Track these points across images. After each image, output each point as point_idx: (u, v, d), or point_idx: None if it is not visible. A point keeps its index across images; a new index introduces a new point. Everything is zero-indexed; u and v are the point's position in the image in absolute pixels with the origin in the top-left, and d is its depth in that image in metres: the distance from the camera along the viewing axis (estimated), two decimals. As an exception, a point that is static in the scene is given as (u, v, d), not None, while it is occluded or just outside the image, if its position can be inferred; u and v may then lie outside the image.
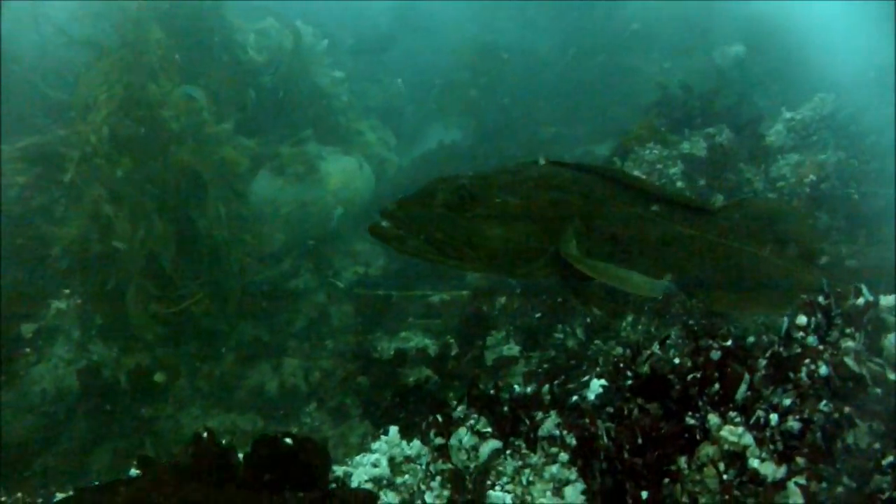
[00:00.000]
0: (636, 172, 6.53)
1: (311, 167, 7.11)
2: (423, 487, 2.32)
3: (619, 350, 4.66)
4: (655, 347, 2.35)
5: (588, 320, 5.23)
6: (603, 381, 2.52)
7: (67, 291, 6.10)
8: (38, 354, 5.77)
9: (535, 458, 2.26)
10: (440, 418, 2.42)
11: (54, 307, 6.04)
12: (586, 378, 2.78)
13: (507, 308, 5.76)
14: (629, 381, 2.28)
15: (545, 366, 4.78)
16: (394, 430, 2.54)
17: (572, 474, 2.16)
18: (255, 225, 6.31)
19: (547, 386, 2.61)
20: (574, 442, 2.21)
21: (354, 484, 2.40)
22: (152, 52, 5.99)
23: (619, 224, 2.89)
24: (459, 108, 9.64)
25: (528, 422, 2.33)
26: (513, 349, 5.16)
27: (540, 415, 2.36)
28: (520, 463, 2.27)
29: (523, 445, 2.30)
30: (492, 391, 2.59)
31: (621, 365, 2.28)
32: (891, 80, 6.60)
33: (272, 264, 6.75)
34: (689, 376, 2.11)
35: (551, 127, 8.94)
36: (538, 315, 5.40)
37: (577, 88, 9.38)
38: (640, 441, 2.03)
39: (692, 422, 2.02)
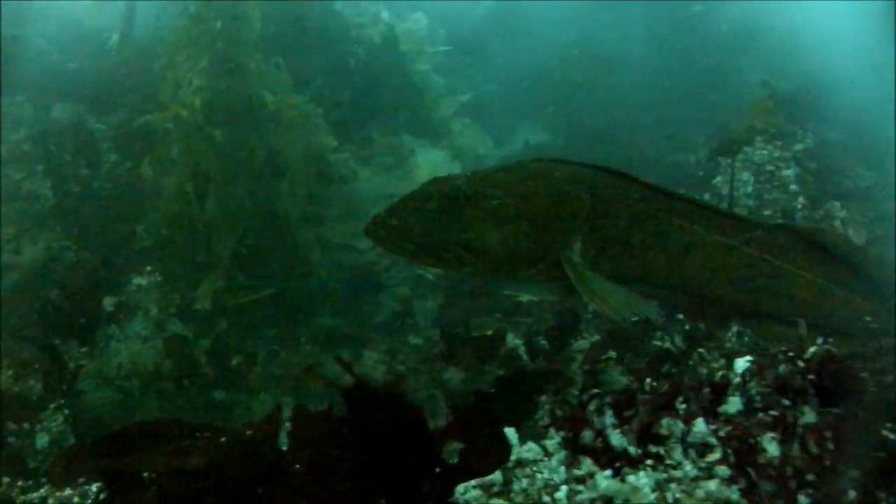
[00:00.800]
0: (745, 175, 6.14)
1: (400, 158, 6.90)
2: (545, 498, 2.00)
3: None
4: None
5: (687, 328, 4.88)
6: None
7: (149, 269, 6.01)
8: (118, 329, 5.71)
9: (685, 470, 1.92)
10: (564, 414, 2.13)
11: (136, 283, 5.98)
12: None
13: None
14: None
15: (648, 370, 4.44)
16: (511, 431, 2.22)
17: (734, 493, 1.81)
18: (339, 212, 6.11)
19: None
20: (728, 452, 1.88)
21: (460, 491, 2.09)
22: (251, 30, 5.84)
23: (630, 226, 2.67)
24: (550, 108, 9.32)
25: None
26: (609, 354, 4.83)
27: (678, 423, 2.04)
28: (663, 476, 1.93)
29: (664, 453, 1.97)
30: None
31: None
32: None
33: (356, 253, 6.54)
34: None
35: (644, 130, 8.54)
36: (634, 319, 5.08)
37: (674, 91, 8.93)
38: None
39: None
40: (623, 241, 2.66)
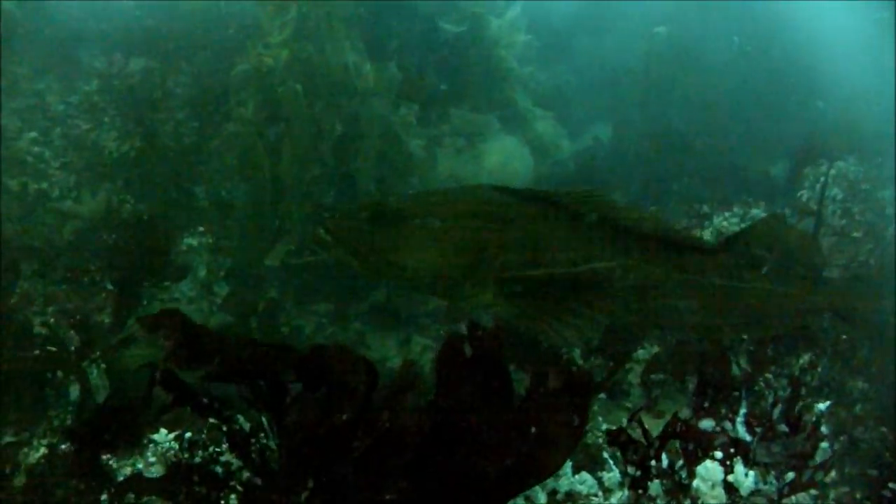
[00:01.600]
0: (835, 191, 5.74)
1: (471, 142, 6.68)
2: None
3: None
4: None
5: (751, 349, 4.56)
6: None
7: (202, 229, 5.91)
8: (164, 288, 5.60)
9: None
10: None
11: (186, 243, 5.87)
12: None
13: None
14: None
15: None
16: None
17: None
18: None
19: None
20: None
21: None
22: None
23: (563, 267, 2.67)
24: (625, 106, 8.98)
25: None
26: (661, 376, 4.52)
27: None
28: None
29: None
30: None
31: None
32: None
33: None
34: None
35: (725, 136, 8.13)
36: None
37: (761, 96, 8.47)
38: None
39: None
40: (551, 282, 2.66)
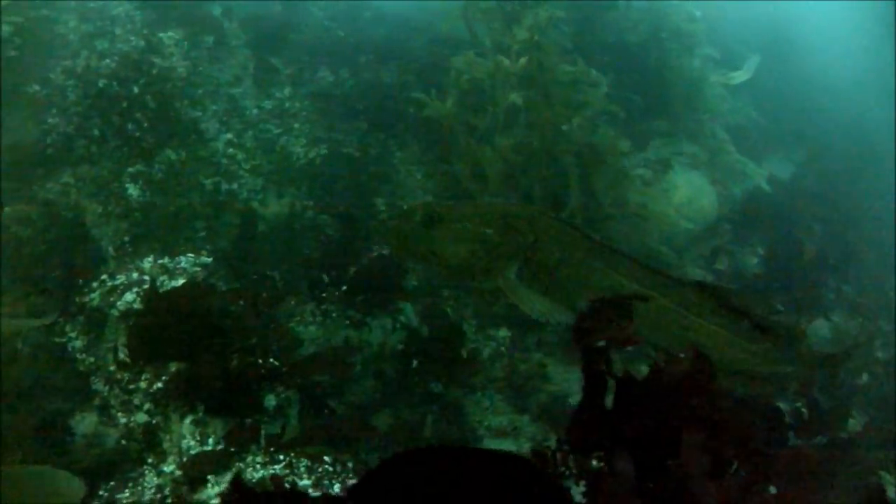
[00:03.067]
0: None
1: (658, 174, 6.35)
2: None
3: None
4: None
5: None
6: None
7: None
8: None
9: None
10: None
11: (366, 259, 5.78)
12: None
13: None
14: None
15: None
16: None
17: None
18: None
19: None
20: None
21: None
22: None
23: (559, 263, 3.37)
24: (807, 142, 8.47)
25: None
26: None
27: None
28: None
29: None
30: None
31: None
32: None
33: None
34: None
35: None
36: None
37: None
38: None
39: None
40: (551, 273, 3.37)
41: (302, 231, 6.00)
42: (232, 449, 3.68)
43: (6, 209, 6.06)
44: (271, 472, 3.46)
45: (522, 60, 5.28)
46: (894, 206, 7.28)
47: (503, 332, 5.57)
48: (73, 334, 4.83)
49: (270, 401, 3.95)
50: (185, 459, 3.71)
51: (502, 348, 5.53)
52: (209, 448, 3.76)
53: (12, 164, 6.11)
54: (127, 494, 3.72)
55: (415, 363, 4.89)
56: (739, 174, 6.98)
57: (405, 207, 3.59)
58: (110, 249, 5.71)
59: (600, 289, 3.38)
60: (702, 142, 6.84)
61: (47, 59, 5.69)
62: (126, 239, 5.69)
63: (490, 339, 5.57)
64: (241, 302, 4.21)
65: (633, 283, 3.42)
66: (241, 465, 3.61)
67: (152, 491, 3.68)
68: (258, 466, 3.58)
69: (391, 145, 6.30)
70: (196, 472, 3.54)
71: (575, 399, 5.28)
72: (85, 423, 4.44)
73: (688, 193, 6.46)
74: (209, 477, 3.54)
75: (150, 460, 3.97)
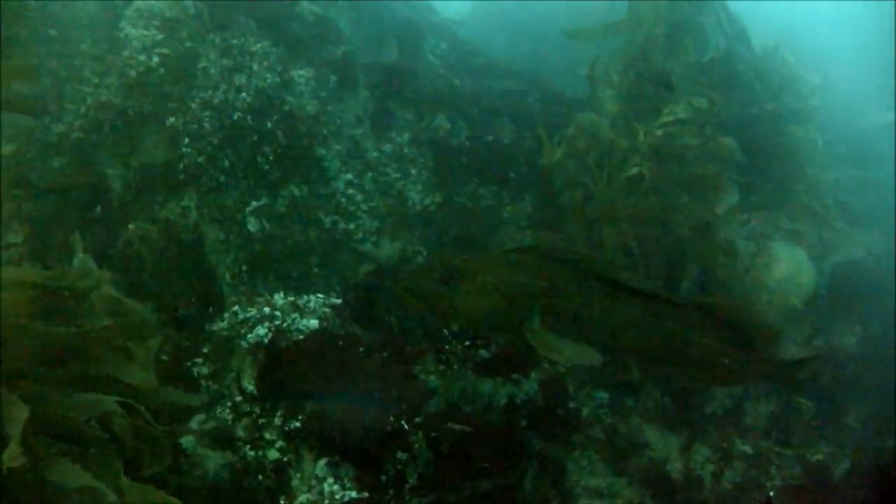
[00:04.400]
0: None
1: (763, 247, 6.41)
2: None
3: None
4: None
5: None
6: None
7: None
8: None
9: None
10: None
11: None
12: None
13: None
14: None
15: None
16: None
17: None
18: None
19: None
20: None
21: None
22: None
23: (579, 307, 3.50)
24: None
25: None
26: None
27: None
28: None
29: None
30: None
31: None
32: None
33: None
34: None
35: None
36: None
37: None
38: None
39: None
40: (574, 318, 3.50)
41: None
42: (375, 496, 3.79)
43: (130, 226, 6.31)
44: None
45: (659, 133, 5.39)
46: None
47: (603, 394, 5.64)
48: (198, 360, 5.00)
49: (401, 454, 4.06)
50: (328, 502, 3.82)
51: (601, 410, 5.59)
52: (352, 492, 3.87)
53: (140, 183, 6.37)
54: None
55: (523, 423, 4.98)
56: (841, 246, 6.99)
57: (422, 264, 3.51)
58: (227, 276, 5.92)
59: (619, 326, 3.64)
60: (805, 214, 6.86)
61: (188, 91, 5.92)
62: (244, 268, 5.89)
63: (589, 399, 5.64)
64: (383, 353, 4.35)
65: (641, 312, 3.66)
66: None
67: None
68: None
69: (504, 198, 6.43)
70: None
71: (672, 466, 5.36)
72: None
73: (789, 268, 6.49)
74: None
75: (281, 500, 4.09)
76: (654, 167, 5.50)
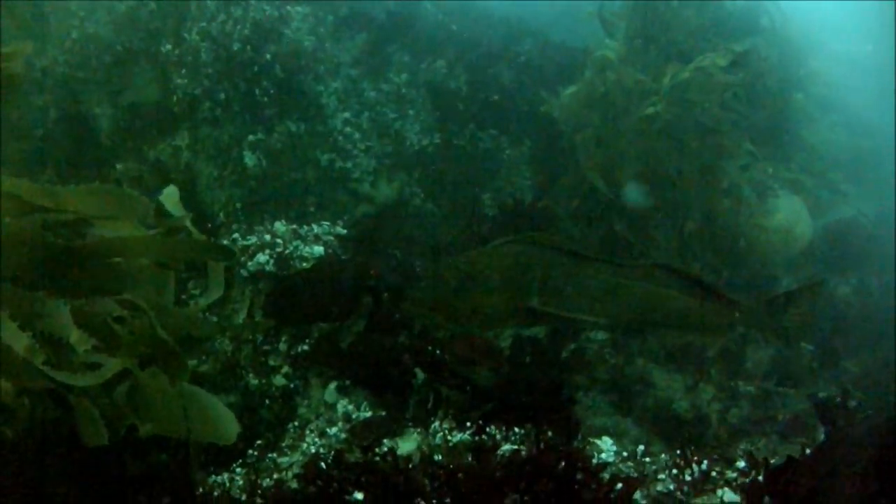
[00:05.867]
0: None
1: (765, 196, 6.36)
2: None
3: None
4: None
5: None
6: None
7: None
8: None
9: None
10: None
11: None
12: None
13: None
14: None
15: None
16: None
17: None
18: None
19: None
20: None
21: None
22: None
23: (565, 283, 3.68)
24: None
25: None
26: None
27: None
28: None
29: None
30: None
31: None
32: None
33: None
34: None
35: None
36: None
37: None
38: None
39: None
40: (560, 295, 3.67)
41: (407, 218, 6.05)
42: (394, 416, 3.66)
43: (118, 166, 6.11)
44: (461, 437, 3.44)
45: (682, 74, 5.32)
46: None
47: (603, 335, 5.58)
48: (195, 291, 4.84)
49: (419, 376, 3.94)
50: (349, 425, 3.69)
51: (606, 350, 5.52)
52: (366, 414, 3.74)
53: (128, 123, 6.17)
54: (275, 455, 3.69)
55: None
56: (836, 202, 7.00)
57: (427, 278, 3.69)
58: (221, 215, 5.75)
59: (599, 292, 3.79)
60: (805, 167, 6.85)
61: (184, 22, 5.73)
62: (238, 206, 5.73)
63: (592, 342, 5.57)
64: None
65: (619, 279, 3.83)
66: (423, 431, 3.58)
67: (313, 451, 3.64)
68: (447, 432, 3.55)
69: (502, 142, 6.32)
70: (366, 437, 3.50)
71: (679, 405, 5.31)
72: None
73: (788, 216, 6.46)
74: (385, 441, 3.50)
75: (293, 424, 3.95)
76: (671, 109, 5.42)
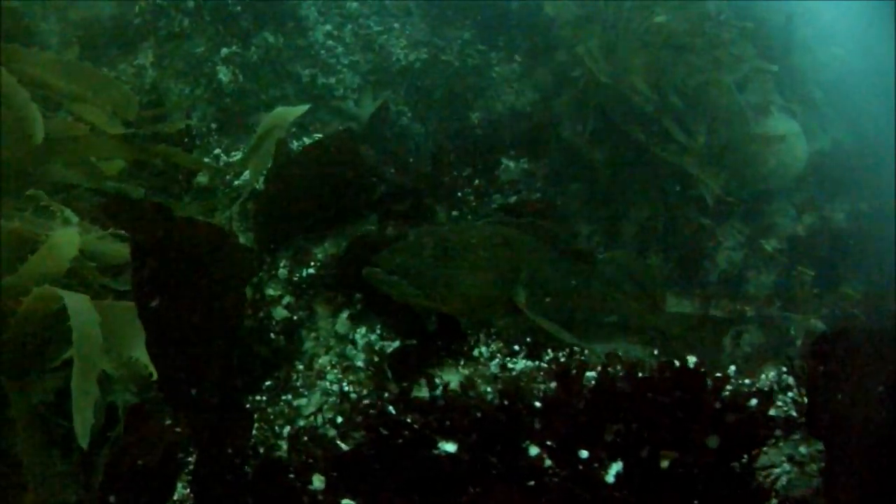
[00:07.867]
0: None
1: (763, 116, 6.15)
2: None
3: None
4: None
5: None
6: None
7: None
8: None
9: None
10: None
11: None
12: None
13: None
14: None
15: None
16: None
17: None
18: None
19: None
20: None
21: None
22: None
23: (550, 274, 3.35)
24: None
25: None
26: None
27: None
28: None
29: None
30: None
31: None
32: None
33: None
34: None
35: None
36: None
37: None
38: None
39: None
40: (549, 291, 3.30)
41: (393, 138, 5.65)
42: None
43: (74, 86, 5.55)
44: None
45: None
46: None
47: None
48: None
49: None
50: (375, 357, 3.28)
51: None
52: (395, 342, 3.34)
53: (84, 41, 5.59)
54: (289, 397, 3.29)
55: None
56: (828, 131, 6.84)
57: (406, 240, 3.07)
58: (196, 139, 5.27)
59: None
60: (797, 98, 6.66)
61: (146, -82, 5.18)
62: (213, 126, 5.26)
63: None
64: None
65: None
66: (462, 358, 3.20)
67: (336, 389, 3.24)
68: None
69: (492, 58, 5.94)
70: (404, 371, 3.11)
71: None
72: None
73: (786, 136, 6.27)
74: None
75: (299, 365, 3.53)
76: (679, 19, 5.14)
